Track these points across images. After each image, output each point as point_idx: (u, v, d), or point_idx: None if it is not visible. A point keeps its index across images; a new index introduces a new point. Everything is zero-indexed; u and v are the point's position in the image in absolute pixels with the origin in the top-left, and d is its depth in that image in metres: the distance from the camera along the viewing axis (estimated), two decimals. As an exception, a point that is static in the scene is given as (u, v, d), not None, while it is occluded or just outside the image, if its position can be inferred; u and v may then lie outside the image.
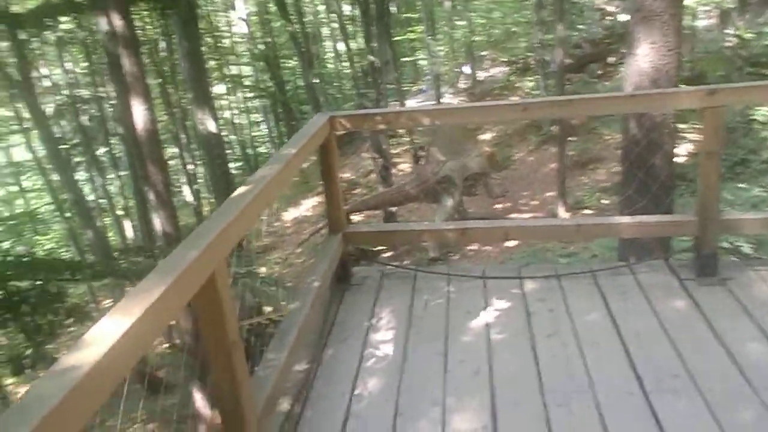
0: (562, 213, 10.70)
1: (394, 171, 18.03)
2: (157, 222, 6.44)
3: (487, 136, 17.83)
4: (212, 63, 21.96)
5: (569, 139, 13.20)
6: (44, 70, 16.58)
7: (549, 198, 12.46)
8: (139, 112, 6.35)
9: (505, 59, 22.92)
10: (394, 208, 12.61)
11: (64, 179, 12.79)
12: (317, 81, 23.46)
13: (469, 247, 11.18)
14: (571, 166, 12.70)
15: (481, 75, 23.76)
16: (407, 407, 2.43)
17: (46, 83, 16.12)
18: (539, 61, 16.14)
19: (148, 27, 14.65)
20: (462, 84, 23.61)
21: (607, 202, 10.89)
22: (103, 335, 1.17)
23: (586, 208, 10.91)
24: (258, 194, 2.15)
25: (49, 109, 15.34)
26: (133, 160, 7.61)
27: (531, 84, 18.56)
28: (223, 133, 25.67)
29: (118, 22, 5.84)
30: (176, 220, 6.82)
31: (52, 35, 14.56)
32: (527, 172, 14.81)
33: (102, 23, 6.49)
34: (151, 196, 6.34)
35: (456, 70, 24.16)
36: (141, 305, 1.28)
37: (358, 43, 15.90)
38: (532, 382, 2.52)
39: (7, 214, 17.12)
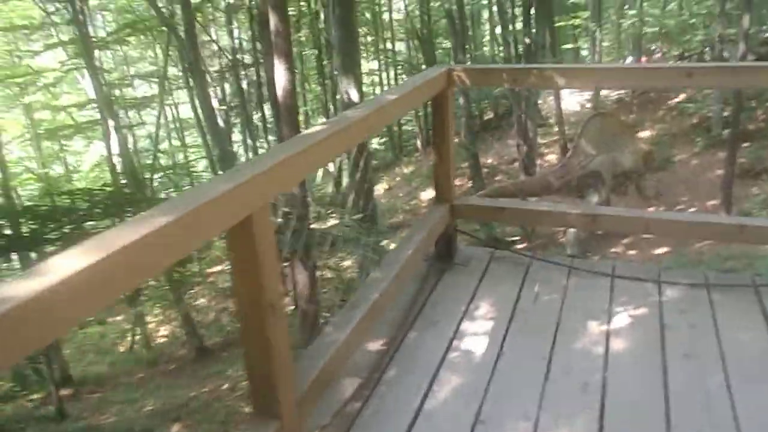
0: (724, 224, 9.73)
1: (539, 161, 17.46)
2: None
3: (646, 133, 16.61)
4: (368, 38, 22.58)
5: (742, 145, 11.92)
6: (213, 35, 18.00)
7: (711, 207, 11.37)
8: (280, 73, 6.54)
9: (677, 53, 21.10)
10: (533, 199, 12.21)
11: (216, 138, 13.86)
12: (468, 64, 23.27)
13: (612, 249, 10.56)
14: (740, 174, 11.48)
15: (647, 68, 22.11)
16: (491, 416, 2.00)
17: (214, 47, 17.49)
18: (717, 57, 14.66)
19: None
20: (624, 77, 22.14)
21: (779, 218, 9.72)
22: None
23: (753, 222, 9.82)
24: (330, 135, 1.83)
25: (213, 70, 16.72)
26: (279, 125, 8.02)
27: (704, 81, 16.94)
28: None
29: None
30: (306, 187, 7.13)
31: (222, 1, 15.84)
32: (688, 176, 13.60)
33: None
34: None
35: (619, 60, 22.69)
36: (139, 231, 1.11)
37: (516, 28, 15.43)
38: (657, 411, 1.99)
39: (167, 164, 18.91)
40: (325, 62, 17.75)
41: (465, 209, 3.19)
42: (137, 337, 13.31)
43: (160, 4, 13.65)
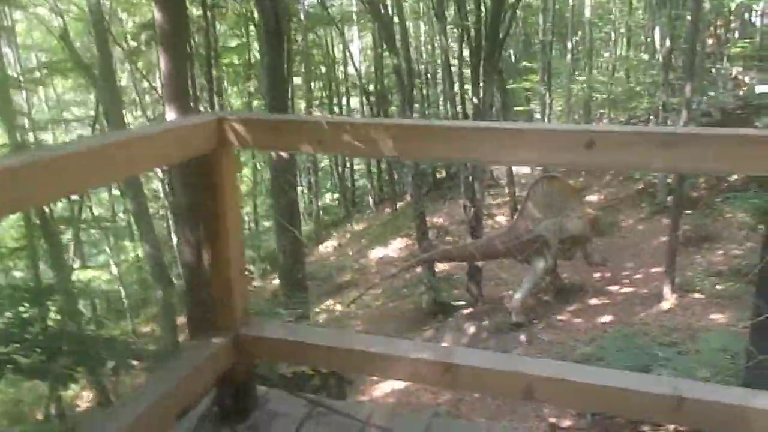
0: (668, 293, 9.56)
1: (490, 222, 17.34)
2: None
3: (594, 197, 16.74)
4: (323, 93, 22.53)
5: (685, 212, 11.99)
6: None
7: (655, 275, 11.26)
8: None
9: (623, 119, 21.72)
10: (480, 263, 11.91)
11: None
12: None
13: (558, 316, 10.26)
14: (683, 242, 11.46)
15: (596, 133, 22.63)
16: None
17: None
18: (661, 125, 14.99)
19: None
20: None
21: (720, 287, 9.62)
22: None
23: (696, 291, 9.68)
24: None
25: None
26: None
27: (649, 148, 17.30)
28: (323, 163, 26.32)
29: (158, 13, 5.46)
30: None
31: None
32: (634, 242, 13.60)
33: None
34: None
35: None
36: None
37: (465, 87, 15.58)
38: None
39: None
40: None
41: (256, 344, 1.87)
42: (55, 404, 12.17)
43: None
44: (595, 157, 1.35)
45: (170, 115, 5.34)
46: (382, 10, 13.76)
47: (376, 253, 17.98)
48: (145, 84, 16.84)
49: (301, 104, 23.62)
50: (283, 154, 7.37)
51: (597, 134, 1.35)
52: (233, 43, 19.14)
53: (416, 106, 24.02)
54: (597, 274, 12.26)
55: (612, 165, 1.46)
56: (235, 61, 18.12)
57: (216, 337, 1.79)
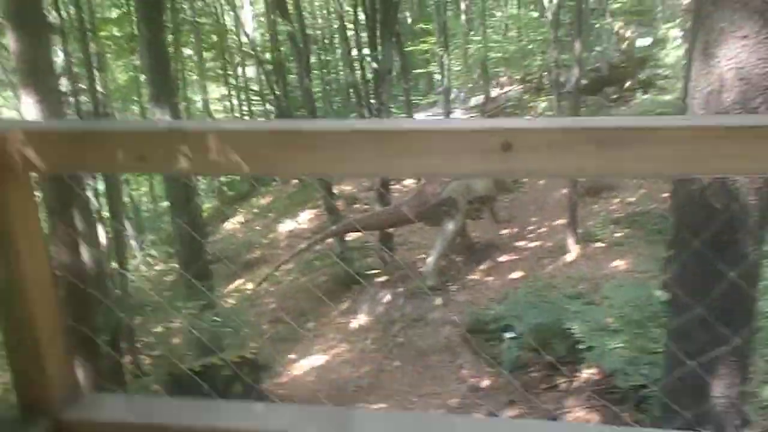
0: (572, 245, 9.89)
1: (398, 186, 17.30)
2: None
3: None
4: (213, 63, 21.39)
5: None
6: None
7: (558, 227, 11.64)
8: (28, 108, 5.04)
9: (519, 77, 22.24)
10: (390, 230, 11.82)
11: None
12: (317, 89, 22.92)
13: (471, 276, 10.38)
14: (583, 193, 11.92)
15: (494, 92, 23.08)
16: None
17: None
18: (554, 81, 15.43)
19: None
20: (475, 100, 22.93)
21: (619, 234, 10.08)
22: None
23: (597, 240, 10.08)
24: None
25: None
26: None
27: (544, 104, 17.85)
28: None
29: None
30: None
31: None
32: (536, 196, 14.00)
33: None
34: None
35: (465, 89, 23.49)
36: None
37: (364, 52, 15.23)
38: None
39: None
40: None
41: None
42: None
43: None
44: (514, 163, 0.94)
45: (27, 99, 4.70)
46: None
47: (285, 226, 17.49)
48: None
49: (193, 77, 22.34)
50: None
51: (514, 133, 0.96)
52: (114, 14, 17.63)
53: (315, 72, 23.41)
54: (504, 231, 12.54)
55: (536, 172, 1.02)
56: (117, 34, 16.65)
57: (27, 427, 1.20)
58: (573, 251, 9.82)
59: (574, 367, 6.60)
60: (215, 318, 6.90)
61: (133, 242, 21.12)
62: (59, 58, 12.72)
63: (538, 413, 6.17)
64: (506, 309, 8.01)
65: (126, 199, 22.10)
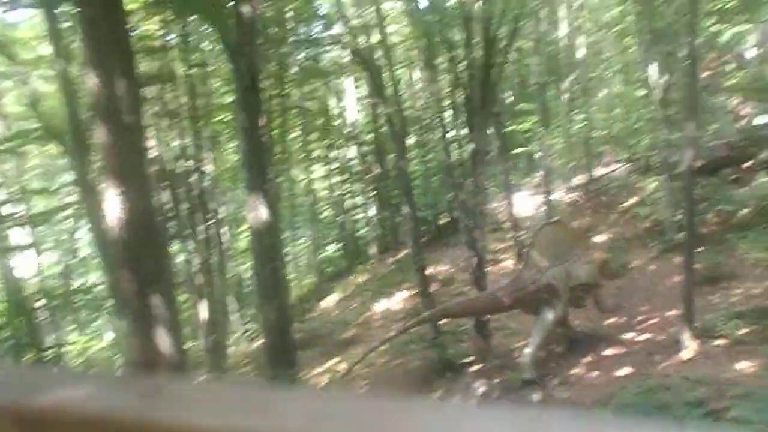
0: (688, 339, 8.94)
1: (494, 268, 16.82)
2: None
3: (602, 237, 16.25)
4: (313, 145, 22.37)
5: (696, 249, 11.46)
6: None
7: (671, 318, 10.66)
8: (112, 203, 5.00)
9: (626, 157, 21.43)
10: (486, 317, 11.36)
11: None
12: (411, 171, 23.14)
13: (573, 371, 9.63)
14: (698, 282, 10.90)
15: (598, 172, 22.31)
16: None
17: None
18: (664, 161, 14.62)
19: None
20: (577, 180, 22.24)
21: (746, 331, 9.00)
22: None
23: (720, 337, 9.07)
24: None
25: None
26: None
27: (653, 185, 16.89)
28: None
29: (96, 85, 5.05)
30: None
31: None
32: (646, 284, 13.03)
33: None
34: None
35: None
36: None
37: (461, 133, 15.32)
38: None
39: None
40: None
41: None
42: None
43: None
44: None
45: (110, 192, 4.90)
46: (369, 60, 13.64)
47: (380, 306, 17.39)
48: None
49: (299, 156, 23.47)
50: (263, 215, 6.94)
51: None
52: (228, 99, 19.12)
53: (413, 153, 23.85)
54: (611, 320, 11.67)
55: None
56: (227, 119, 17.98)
57: None
58: (689, 347, 8.86)
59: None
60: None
61: (233, 317, 21.87)
62: (173, 143, 13.74)
63: None
64: (613, 412, 7.28)
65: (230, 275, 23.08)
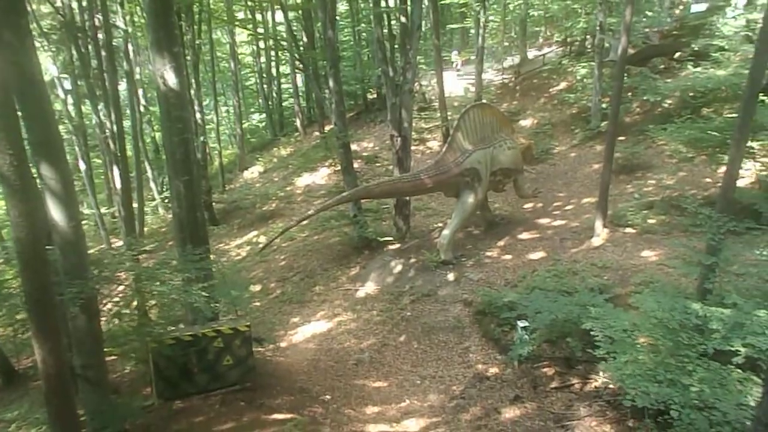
0: (600, 227, 9.19)
1: (421, 147, 16.61)
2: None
3: (526, 122, 16.20)
4: (237, 5, 20.54)
5: (618, 138, 11.57)
6: None
7: (587, 205, 10.94)
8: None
9: (560, 39, 21.04)
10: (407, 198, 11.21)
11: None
12: (345, 39, 21.87)
13: (487, 252, 9.79)
14: (616, 170, 11.11)
15: (531, 53, 21.89)
16: None
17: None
18: (598, 47, 14.36)
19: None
20: (509, 61, 21.80)
21: (653, 221, 9.33)
22: None
23: (628, 226, 9.36)
24: None
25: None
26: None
27: (584, 71, 16.75)
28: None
29: None
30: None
31: None
32: (566, 170, 13.24)
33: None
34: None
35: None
36: None
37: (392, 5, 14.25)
38: None
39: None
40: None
41: None
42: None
43: None
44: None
45: None
46: None
47: (303, 180, 17.01)
48: None
49: (221, 17, 21.50)
50: (171, 81, 6.08)
51: None
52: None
53: (343, 23, 22.39)
54: (529, 205, 11.87)
55: None
56: None
57: None
58: (600, 235, 9.13)
59: (590, 367, 6.06)
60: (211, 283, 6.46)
61: (152, 184, 20.92)
62: None
63: (545, 415, 5.69)
64: (523, 294, 7.45)
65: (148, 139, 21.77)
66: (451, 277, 9.19)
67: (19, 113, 4.91)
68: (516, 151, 10.31)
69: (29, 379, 9.52)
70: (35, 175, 5.57)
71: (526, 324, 6.70)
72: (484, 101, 10.67)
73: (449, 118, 15.75)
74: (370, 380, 7.48)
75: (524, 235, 10.17)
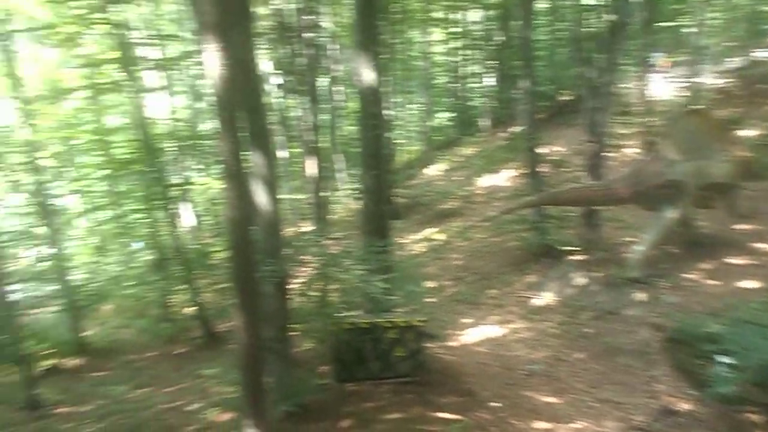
0: (834, 260, 7.77)
1: (616, 155, 15.50)
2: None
3: (750, 132, 14.26)
4: (434, 5, 20.82)
5: None
6: None
7: (817, 236, 9.33)
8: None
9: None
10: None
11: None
12: (536, 40, 21.02)
13: (687, 274, 8.79)
14: None
15: (760, 54, 19.23)
16: None
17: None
18: None
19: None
20: (731, 62, 19.39)
21: None
22: None
23: None
24: None
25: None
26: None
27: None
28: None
29: None
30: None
31: None
32: (793, 189, 11.39)
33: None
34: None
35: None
36: None
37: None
38: None
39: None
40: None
41: None
42: (160, 311, 12.76)
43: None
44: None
45: (209, 47, 4.59)
46: None
47: (485, 181, 16.82)
48: None
49: (418, 17, 22.07)
50: (369, 78, 6.38)
51: None
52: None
53: (542, 20, 21.63)
54: (742, 226, 10.44)
55: None
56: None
57: None
58: (834, 269, 7.72)
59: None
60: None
61: (342, 175, 22.23)
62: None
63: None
64: (727, 326, 6.57)
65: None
66: (640, 296, 8.43)
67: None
68: (731, 165, 9.10)
69: (225, 342, 10.70)
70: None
71: (729, 360, 5.90)
72: (698, 107, 9.56)
73: (652, 124, 14.46)
74: (541, 394, 7.15)
75: (734, 260, 8.95)
